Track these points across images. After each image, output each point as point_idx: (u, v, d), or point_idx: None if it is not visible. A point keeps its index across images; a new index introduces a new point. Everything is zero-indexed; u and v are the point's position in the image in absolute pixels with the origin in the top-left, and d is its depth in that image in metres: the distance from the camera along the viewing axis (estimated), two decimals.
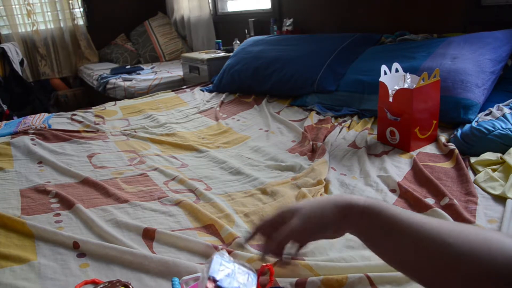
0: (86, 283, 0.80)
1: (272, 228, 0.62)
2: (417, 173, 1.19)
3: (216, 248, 0.88)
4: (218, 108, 2.10)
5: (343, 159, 1.36)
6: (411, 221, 0.51)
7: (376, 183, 1.15)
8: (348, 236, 0.59)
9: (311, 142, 1.48)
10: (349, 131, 1.58)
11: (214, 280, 0.51)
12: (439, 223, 0.50)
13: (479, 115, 1.40)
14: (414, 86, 1.30)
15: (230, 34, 3.47)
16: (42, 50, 4.06)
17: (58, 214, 1.09)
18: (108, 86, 3.27)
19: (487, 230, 0.52)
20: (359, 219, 0.55)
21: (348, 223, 0.56)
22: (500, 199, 1.01)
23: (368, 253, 0.81)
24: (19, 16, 3.94)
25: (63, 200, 1.15)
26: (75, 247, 0.92)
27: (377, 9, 2.34)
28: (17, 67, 3.38)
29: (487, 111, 1.39)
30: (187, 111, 2.12)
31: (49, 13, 4.08)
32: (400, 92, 1.32)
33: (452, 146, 1.30)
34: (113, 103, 2.38)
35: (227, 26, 3.74)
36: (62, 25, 4.15)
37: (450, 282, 0.45)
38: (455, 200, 0.99)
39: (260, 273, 0.70)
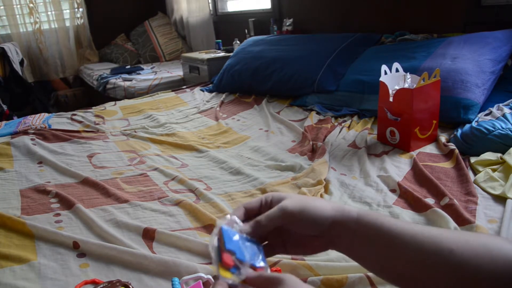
0: (86, 283, 0.80)
1: (258, 212, 0.54)
2: (417, 173, 1.19)
3: None
4: (218, 108, 2.09)
5: (343, 159, 1.36)
6: (409, 229, 0.48)
7: (376, 183, 1.15)
8: None
9: (311, 142, 1.48)
10: (349, 131, 1.58)
11: (232, 253, 0.47)
12: (437, 230, 0.48)
13: (479, 115, 1.40)
14: (414, 86, 1.30)
15: (230, 34, 3.47)
16: (44, 50, 4.05)
17: (58, 214, 1.09)
18: (108, 86, 3.27)
19: (486, 235, 0.51)
20: (354, 227, 0.50)
21: (342, 229, 0.51)
22: (500, 199, 1.00)
23: None
24: (20, 16, 3.93)
25: (63, 200, 1.15)
26: (75, 247, 0.92)
27: (377, 9, 2.34)
28: (17, 67, 3.38)
29: (487, 111, 1.39)
30: (187, 111, 2.12)
31: (49, 13, 4.08)
32: (400, 92, 1.32)
33: (452, 146, 1.30)
34: (113, 103, 2.38)
35: (227, 26, 3.74)
36: (65, 24, 4.14)
37: None
38: (455, 200, 0.99)
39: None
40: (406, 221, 0.52)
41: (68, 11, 4.15)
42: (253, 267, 0.46)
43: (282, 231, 0.53)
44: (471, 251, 0.44)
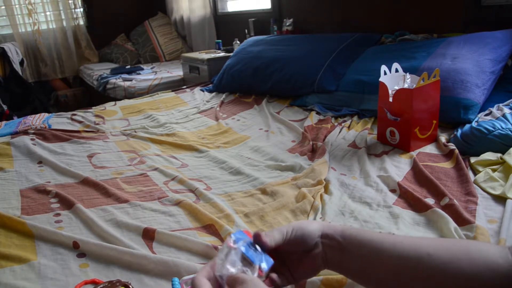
0: (86, 283, 0.80)
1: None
2: (417, 173, 1.19)
3: (216, 249, 0.88)
4: (218, 108, 2.10)
5: (343, 159, 1.36)
6: (390, 239, 0.51)
7: (376, 183, 1.15)
8: None
9: (311, 142, 1.48)
10: (349, 131, 1.58)
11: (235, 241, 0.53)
12: (418, 238, 0.51)
13: (479, 115, 1.40)
14: (414, 86, 1.30)
15: (230, 34, 3.47)
16: (43, 50, 4.05)
17: (58, 214, 1.09)
18: (108, 86, 3.27)
19: (467, 240, 0.54)
20: (340, 239, 0.54)
21: (331, 240, 0.55)
22: (500, 199, 1.01)
23: None
24: (20, 16, 3.93)
25: (63, 200, 1.15)
26: (75, 247, 0.92)
27: (377, 9, 2.34)
28: (17, 67, 3.38)
29: (487, 111, 1.39)
30: (187, 111, 2.12)
31: (49, 13, 4.08)
32: (400, 92, 1.32)
33: (452, 146, 1.30)
34: (113, 103, 2.38)
35: (227, 26, 3.74)
36: (63, 25, 4.14)
37: None
38: (455, 200, 0.99)
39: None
40: (387, 233, 0.56)
41: (67, 11, 4.14)
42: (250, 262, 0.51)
43: (285, 259, 0.58)
44: (450, 254, 0.45)
